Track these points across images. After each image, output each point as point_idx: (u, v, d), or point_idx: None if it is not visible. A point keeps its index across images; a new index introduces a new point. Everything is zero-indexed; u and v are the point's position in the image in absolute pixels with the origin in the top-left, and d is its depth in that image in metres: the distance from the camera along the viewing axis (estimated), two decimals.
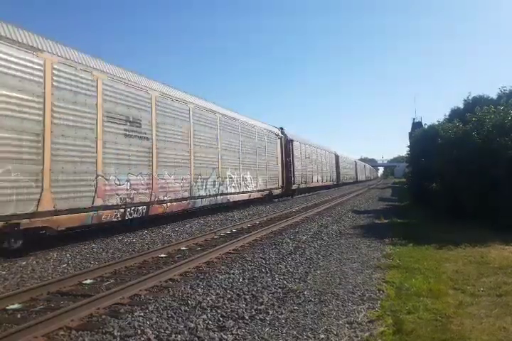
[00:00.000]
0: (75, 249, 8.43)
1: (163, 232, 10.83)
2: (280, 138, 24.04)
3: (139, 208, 10.68)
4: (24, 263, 7.16)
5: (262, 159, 20.55)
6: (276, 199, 23.57)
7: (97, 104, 9.44)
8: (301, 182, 27.38)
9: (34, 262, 7.24)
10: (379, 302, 4.83)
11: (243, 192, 17.74)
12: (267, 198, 21.30)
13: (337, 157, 44.42)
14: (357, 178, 64.55)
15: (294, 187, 25.61)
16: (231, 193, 16.49)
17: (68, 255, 7.87)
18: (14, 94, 7.41)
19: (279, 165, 23.38)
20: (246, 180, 18.08)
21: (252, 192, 18.76)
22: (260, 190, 19.89)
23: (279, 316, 4.36)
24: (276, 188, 22.57)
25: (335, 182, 42.46)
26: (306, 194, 30.70)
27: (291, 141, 25.79)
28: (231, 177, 16.46)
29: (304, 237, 9.67)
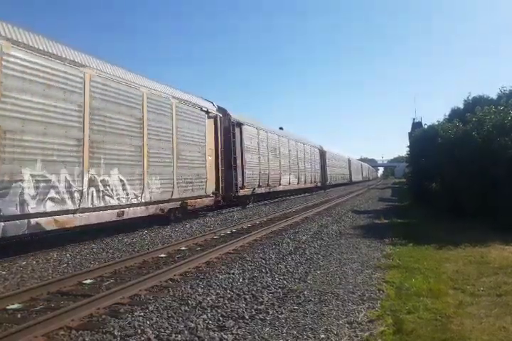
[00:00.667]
0: (75, 249, 8.43)
1: (163, 232, 10.83)
2: (214, 118, 14.98)
3: None
4: (24, 263, 7.16)
5: (162, 147, 11.57)
6: (210, 213, 15.76)
7: None
8: (259, 185, 19.49)
9: (34, 262, 7.24)
10: (379, 302, 4.83)
11: (98, 209, 9.00)
12: (178, 214, 12.59)
13: (323, 152, 35.82)
14: (351, 179, 55.77)
15: (245, 192, 17.66)
16: (43, 214, 7.67)
17: (68, 255, 7.87)
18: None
19: (211, 159, 14.45)
20: (107, 186, 9.29)
21: (126, 206, 9.94)
22: (155, 202, 11.06)
23: (279, 316, 4.36)
24: (204, 196, 13.81)
25: (319, 184, 33.67)
26: (269, 201, 22.53)
27: (239, 124, 17.51)
28: (43, 180, 7.73)
29: (304, 237, 9.67)
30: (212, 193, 14.47)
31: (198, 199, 13.54)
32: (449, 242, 8.46)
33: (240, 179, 17.11)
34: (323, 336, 3.84)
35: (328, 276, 6.04)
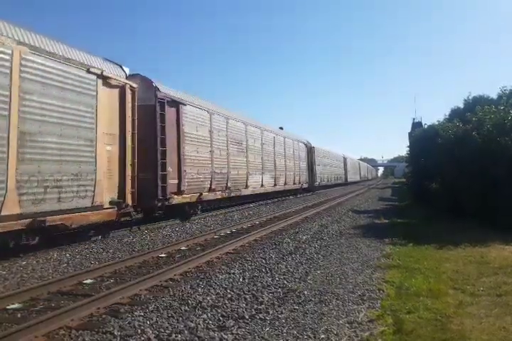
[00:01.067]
0: (75, 249, 8.43)
1: (164, 232, 10.83)
2: (120, 89, 9.73)
3: None
4: (24, 263, 7.16)
5: None
6: (120, 231, 10.36)
7: None
8: (212, 189, 14.24)
9: (34, 262, 7.24)
10: (379, 301, 4.84)
11: None
12: (30, 240, 7.55)
13: (311, 149, 31.14)
14: (347, 179, 50.46)
15: (184, 199, 12.41)
16: None
17: (68, 255, 7.87)
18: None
19: (109, 150, 9.39)
20: None
21: None
22: None
23: (279, 316, 4.36)
24: (91, 209, 8.68)
25: (305, 185, 28.94)
26: (231, 209, 17.12)
27: (176, 103, 12.22)
28: None
29: (304, 237, 9.67)
30: (112, 203, 9.24)
31: (78, 214, 8.27)
32: (449, 242, 8.47)
33: (173, 181, 11.84)
34: (323, 336, 3.84)
35: (329, 276, 6.05)
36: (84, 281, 5.85)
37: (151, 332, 3.90)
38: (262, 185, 19.83)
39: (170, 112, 11.94)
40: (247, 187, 17.87)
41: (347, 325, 4.13)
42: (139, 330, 3.94)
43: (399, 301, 4.80)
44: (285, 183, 23.95)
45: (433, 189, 16.70)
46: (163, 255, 7.75)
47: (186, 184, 12.54)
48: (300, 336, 3.83)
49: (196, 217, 13.83)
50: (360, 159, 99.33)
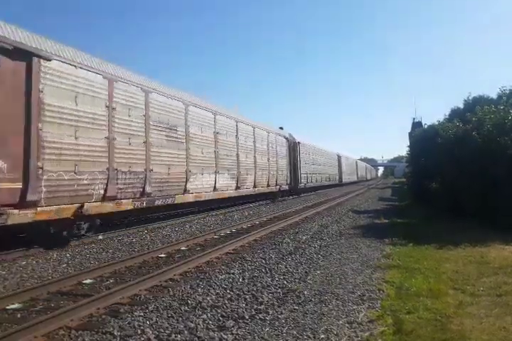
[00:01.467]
0: (75, 249, 8.43)
1: (163, 232, 10.83)
2: None
3: None
4: (24, 263, 7.16)
5: None
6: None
7: None
8: (107, 197, 9.19)
9: (34, 262, 7.24)
10: (379, 302, 4.83)
11: None
12: None
13: (294, 144, 26.51)
14: (341, 179, 45.63)
15: (36, 215, 7.33)
16: None
17: (68, 255, 7.87)
18: None
19: None
20: None
21: None
22: None
23: (279, 316, 4.36)
24: None
25: (285, 187, 23.99)
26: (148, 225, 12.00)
27: (26, 54, 7.41)
28: None
29: (304, 237, 9.67)
30: None
31: None
32: (449, 242, 8.46)
33: (9, 185, 7.10)
34: (323, 336, 3.84)
35: (328, 276, 6.04)
36: (84, 281, 5.85)
37: (150, 332, 3.90)
38: (215, 189, 14.70)
39: (10, 68, 7.30)
40: (186, 191, 12.67)
41: (347, 325, 4.13)
42: (139, 330, 3.94)
43: (399, 301, 4.80)
44: (254, 185, 18.83)
45: (433, 189, 16.70)
46: (162, 255, 7.75)
47: (44, 189, 7.72)
48: (300, 336, 3.83)
49: (91, 239, 9.37)
50: (360, 159, 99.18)
